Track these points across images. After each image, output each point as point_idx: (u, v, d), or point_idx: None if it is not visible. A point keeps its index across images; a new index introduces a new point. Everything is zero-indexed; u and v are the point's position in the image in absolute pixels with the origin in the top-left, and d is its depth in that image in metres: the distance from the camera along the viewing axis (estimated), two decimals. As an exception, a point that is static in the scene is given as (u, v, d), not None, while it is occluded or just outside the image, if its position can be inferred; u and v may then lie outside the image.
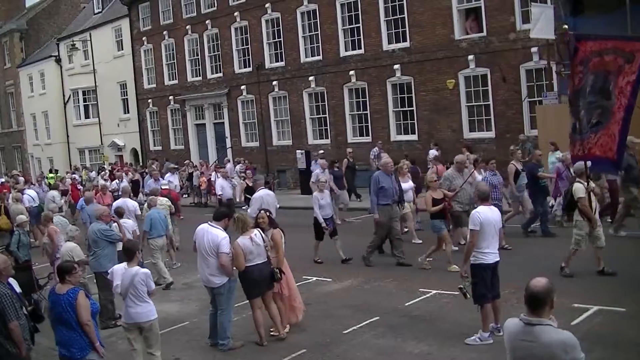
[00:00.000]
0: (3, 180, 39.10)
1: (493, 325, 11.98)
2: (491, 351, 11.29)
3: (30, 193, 29.94)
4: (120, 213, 17.97)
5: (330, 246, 19.65)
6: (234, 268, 12.76)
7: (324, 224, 19.52)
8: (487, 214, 11.82)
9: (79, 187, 31.01)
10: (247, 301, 13.17)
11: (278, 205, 20.71)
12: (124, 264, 11.31)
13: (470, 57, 31.63)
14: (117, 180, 30.88)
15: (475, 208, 12.29)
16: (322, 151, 32.69)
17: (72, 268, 10.22)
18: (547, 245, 18.96)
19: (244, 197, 25.67)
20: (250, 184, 25.38)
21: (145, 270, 11.48)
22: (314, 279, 17.88)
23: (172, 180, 29.07)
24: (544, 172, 20.91)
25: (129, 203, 21.11)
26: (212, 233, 12.74)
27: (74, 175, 40.22)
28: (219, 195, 27.44)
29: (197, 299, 16.67)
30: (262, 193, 20.55)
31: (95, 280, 15.97)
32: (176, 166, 36.21)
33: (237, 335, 13.24)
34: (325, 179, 20.84)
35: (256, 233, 12.82)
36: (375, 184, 18.49)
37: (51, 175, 44.33)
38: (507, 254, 16.02)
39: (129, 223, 18.45)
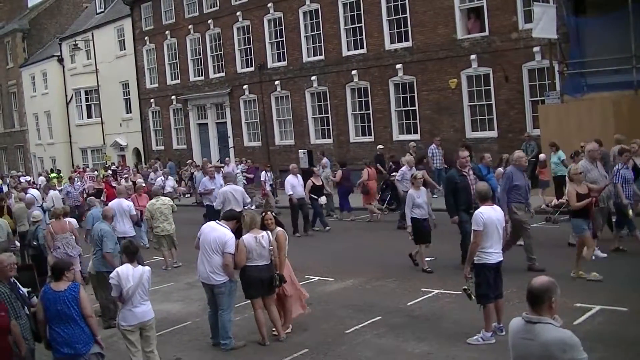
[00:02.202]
0: (29, 178, 39.11)
1: (496, 325, 11.97)
2: (493, 351, 11.29)
3: (34, 193, 29.99)
4: (107, 216, 17.25)
5: (332, 245, 19.62)
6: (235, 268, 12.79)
7: (409, 224, 17.85)
8: (490, 214, 11.81)
9: (114, 185, 30.76)
10: (249, 301, 13.17)
11: (249, 201, 23.46)
12: (128, 265, 11.29)
13: (473, 56, 31.60)
14: (162, 178, 30.37)
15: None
16: (413, 143, 31.84)
17: (69, 265, 10.35)
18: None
19: (309, 197, 25.57)
20: (318, 183, 25.91)
21: (149, 267, 11.54)
22: (316, 278, 17.88)
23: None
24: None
25: (124, 203, 21.01)
26: (219, 231, 12.76)
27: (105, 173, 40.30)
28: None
29: (199, 299, 16.61)
30: (228, 188, 22.16)
31: (95, 280, 16.05)
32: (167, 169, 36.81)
33: (239, 335, 13.25)
34: (420, 174, 19.08)
35: (263, 235, 12.79)
36: (508, 181, 16.69)
37: (53, 175, 44.26)
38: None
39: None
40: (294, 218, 25.27)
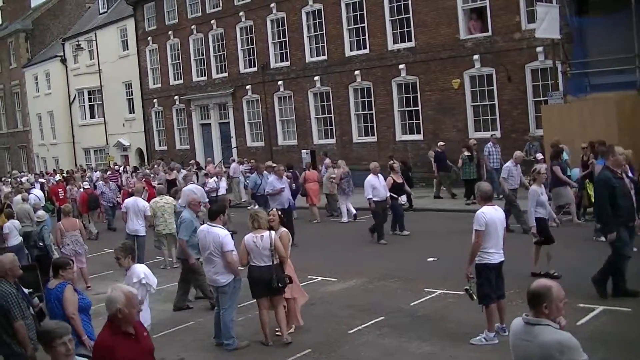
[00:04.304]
0: (58, 177, 39.17)
1: (498, 325, 11.96)
2: (496, 351, 11.28)
3: (37, 193, 30.12)
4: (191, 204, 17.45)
5: (335, 245, 19.56)
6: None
7: (533, 224, 15.77)
8: (491, 213, 11.79)
9: (154, 184, 30.80)
10: (253, 301, 13.18)
11: (206, 200, 23.14)
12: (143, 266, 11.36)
13: (476, 56, 31.59)
14: (215, 179, 30.16)
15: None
16: (474, 140, 30.03)
17: (66, 264, 10.38)
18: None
19: (390, 196, 22.61)
20: (399, 181, 23.53)
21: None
22: (319, 278, 17.86)
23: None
24: None
25: (140, 202, 21.67)
26: (213, 233, 12.80)
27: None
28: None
29: (203, 299, 16.67)
30: (192, 187, 23.54)
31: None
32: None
33: (242, 335, 13.25)
34: (544, 169, 17.56)
35: (263, 235, 12.69)
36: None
37: (57, 176, 44.31)
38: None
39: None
40: (379, 223, 22.61)
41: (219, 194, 27.35)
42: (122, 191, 33.60)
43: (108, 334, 7.22)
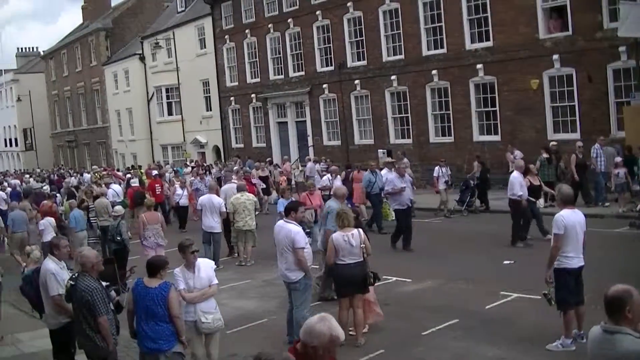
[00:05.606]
0: (156, 172, 39.98)
1: (576, 331, 11.70)
2: (571, 359, 11.06)
3: (115, 188, 30.58)
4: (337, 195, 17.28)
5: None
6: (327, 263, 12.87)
7: None
8: (571, 217, 11.57)
9: (254, 181, 31.06)
10: (326, 301, 13.17)
11: (224, 210, 22.09)
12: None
13: (555, 56, 31.00)
14: (328, 177, 29.14)
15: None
16: (580, 143, 29.04)
17: (166, 263, 10.46)
18: None
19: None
20: (536, 183, 21.95)
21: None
22: (394, 279, 17.80)
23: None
24: None
25: (215, 199, 22.06)
26: (286, 228, 12.91)
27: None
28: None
29: (277, 296, 16.72)
30: (228, 186, 24.66)
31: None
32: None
33: (315, 333, 13.19)
34: None
35: (353, 233, 12.80)
36: None
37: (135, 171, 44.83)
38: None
39: None
40: (518, 223, 21.07)
41: (331, 193, 25.85)
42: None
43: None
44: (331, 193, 25.05)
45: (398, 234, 21.91)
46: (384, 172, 25.46)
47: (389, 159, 28.28)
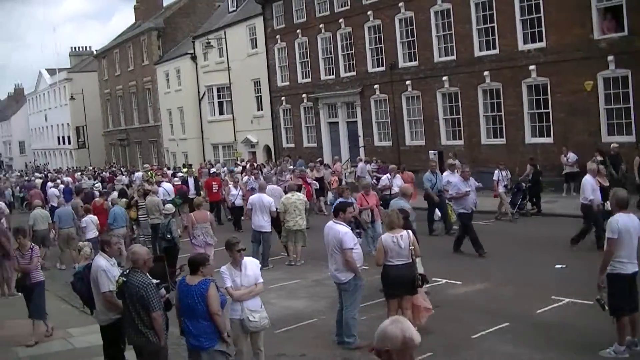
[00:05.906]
0: (214, 170, 40.10)
1: (630, 338, 11.51)
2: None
3: (166, 187, 30.82)
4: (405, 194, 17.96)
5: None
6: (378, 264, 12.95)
7: None
8: (626, 221, 11.39)
9: (308, 180, 31.13)
10: (375, 301, 13.15)
11: (274, 209, 22.24)
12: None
13: (610, 57, 30.52)
14: (388, 176, 28.83)
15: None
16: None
17: (205, 260, 10.60)
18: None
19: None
20: (605, 184, 21.26)
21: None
22: (444, 281, 17.74)
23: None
24: None
25: (265, 199, 22.30)
26: (335, 229, 13.03)
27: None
28: None
29: (326, 296, 16.74)
30: (271, 187, 25.52)
31: None
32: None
33: (364, 334, 13.16)
34: None
35: (402, 234, 12.80)
36: None
37: (184, 170, 45.10)
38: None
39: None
40: (589, 228, 20.37)
41: (392, 192, 25.35)
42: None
43: None
44: (391, 193, 25.15)
45: (462, 238, 21.67)
46: (445, 174, 25.35)
47: (451, 161, 27.89)
